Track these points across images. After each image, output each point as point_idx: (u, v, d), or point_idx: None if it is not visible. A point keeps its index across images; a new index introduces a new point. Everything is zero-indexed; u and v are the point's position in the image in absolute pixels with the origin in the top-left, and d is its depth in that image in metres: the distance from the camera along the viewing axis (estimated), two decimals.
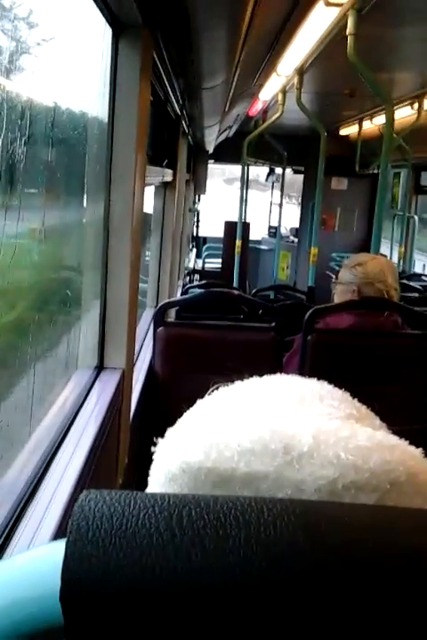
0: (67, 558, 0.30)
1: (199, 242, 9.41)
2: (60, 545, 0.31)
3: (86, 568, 0.30)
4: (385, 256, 4.83)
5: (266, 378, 0.49)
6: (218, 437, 0.40)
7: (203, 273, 7.64)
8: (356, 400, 0.47)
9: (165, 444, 0.43)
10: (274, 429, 0.39)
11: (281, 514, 0.31)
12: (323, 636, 0.30)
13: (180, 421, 0.45)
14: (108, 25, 1.70)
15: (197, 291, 3.47)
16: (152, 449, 0.44)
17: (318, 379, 0.48)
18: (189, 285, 5.02)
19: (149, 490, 0.43)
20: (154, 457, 0.43)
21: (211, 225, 9.83)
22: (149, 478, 0.44)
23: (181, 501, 0.32)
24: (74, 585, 0.30)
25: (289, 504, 0.32)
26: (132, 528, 0.31)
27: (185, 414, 0.46)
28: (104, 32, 1.71)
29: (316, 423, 0.40)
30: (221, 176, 18.91)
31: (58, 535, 1.10)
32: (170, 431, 0.44)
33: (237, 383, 0.48)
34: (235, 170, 7.11)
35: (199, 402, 0.47)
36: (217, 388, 0.48)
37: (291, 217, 10.00)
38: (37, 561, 0.33)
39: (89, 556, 0.30)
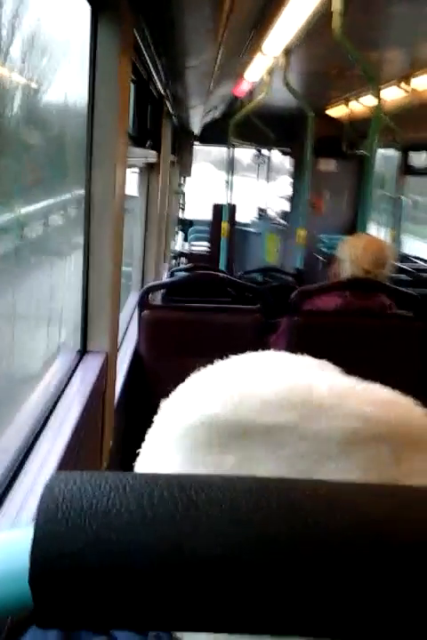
0: (35, 540, 0.30)
1: (186, 224, 9.37)
2: (30, 528, 0.30)
3: (55, 550, 0.29)
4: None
5: (260, 353, 0.48)
6: (240, 388, 0.39)
7: (190, 256, 7.62)
8: None
9: (178, 399, 0.43)
10: (295, 382, 0.39)
11: (256, 491, 0.31)
12: (297, 614, 0.29)
13: (189, 381, 0.45)
14: (87, 2, 1.66)
15: (184, 274, 3.45)
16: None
17: None
18: (175, 268, 5.00)
19: (153, 450, 0.42)
20: (160, 413, 0.43)
21: (199, 208, 9.78)
22: (153, 436, 0.43)
23: (153, 480, 0.31)
24: (43, 567, 0.29)
25: (265, 481, 0.32)
26: (102, 508, 0.30)
27: (190, 377, 0.45)
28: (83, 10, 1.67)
29: (330, 378, 0.40)
30: (207, 158, 18.78)
31: None
32: (182, 387, 0.44)
33: (230, 358, 0.48)
34: (223, 151, 7.01)
35: (197, 374, 0.46)
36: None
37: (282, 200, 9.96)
38: (6, 544, 0.32)
39: (58, 537, 0.30)
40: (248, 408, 0.38)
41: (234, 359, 0.47)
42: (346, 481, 0.33)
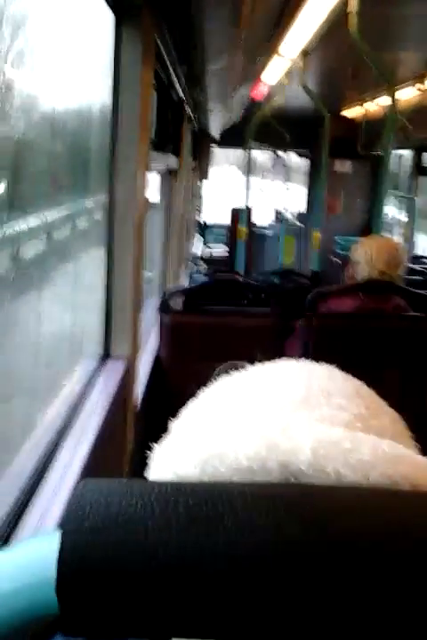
0: (62, 548, 0.30)
1: (204, 228, 9.38)
2: (57, 535, 0.31)
3: (82, 558, 0.30)
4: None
5: (271, 367, 0.47)
6: (214, 451, 0.38)
7: (209, 260, 7.63)
8: (371, 390, 0.45)
9: (159, 455, 0.42)
10: (272, 444, 0.37)
11: (278, 498, 0.31)
12: (310, 620, 0.29)
13: (175, 426, 0.44)
14: (109, 9, 1.68)
15: (203, 278, 3.46)
16: (157, 440, 0.43)
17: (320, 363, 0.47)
18: (194, 272, 5.00)
19: None
20: (149, 465, 0.42)
21: (219, 212, 9.74)
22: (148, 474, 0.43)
23: (179, 490, 0.32)
24: (69, 574, 0.30)
25: (285, 489, 0.32)
26: (128, 517, 0.30)
27: (181, 416, 0.45)
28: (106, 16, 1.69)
29: (316, 434, 0.38)
30: (228, 160, 18.63)
31: None
32: (164, 442, 0.43)
33: (241, 373, 0.47)
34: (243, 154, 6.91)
35: (197, 399, 0.46)
36: (225, 371, 0.47)
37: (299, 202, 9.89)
38: (33, 551, 0.32)
39: (85, 545, 0.30)
40: (222, 471, 0.37)
41: (232, 381, 0.46)
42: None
